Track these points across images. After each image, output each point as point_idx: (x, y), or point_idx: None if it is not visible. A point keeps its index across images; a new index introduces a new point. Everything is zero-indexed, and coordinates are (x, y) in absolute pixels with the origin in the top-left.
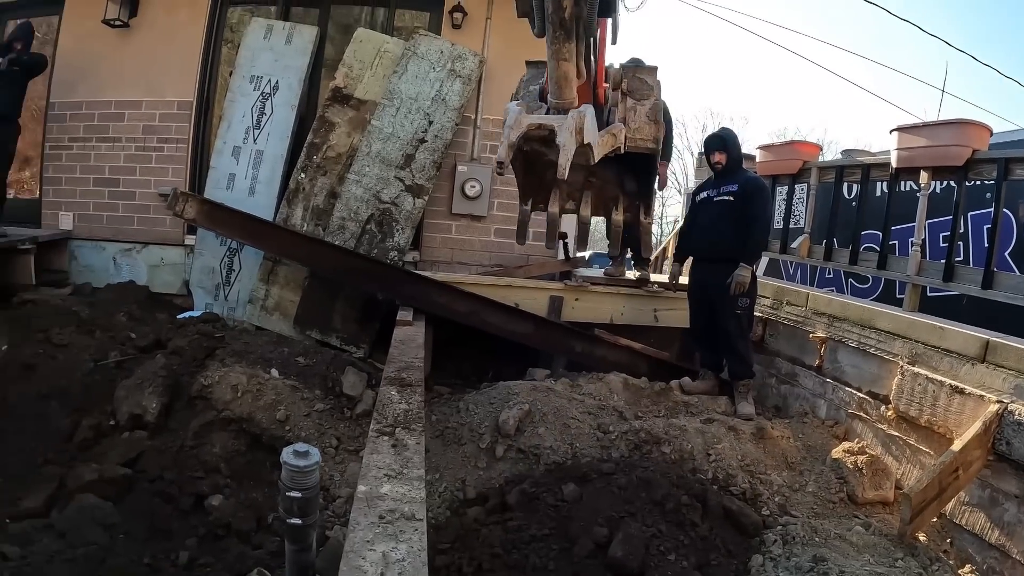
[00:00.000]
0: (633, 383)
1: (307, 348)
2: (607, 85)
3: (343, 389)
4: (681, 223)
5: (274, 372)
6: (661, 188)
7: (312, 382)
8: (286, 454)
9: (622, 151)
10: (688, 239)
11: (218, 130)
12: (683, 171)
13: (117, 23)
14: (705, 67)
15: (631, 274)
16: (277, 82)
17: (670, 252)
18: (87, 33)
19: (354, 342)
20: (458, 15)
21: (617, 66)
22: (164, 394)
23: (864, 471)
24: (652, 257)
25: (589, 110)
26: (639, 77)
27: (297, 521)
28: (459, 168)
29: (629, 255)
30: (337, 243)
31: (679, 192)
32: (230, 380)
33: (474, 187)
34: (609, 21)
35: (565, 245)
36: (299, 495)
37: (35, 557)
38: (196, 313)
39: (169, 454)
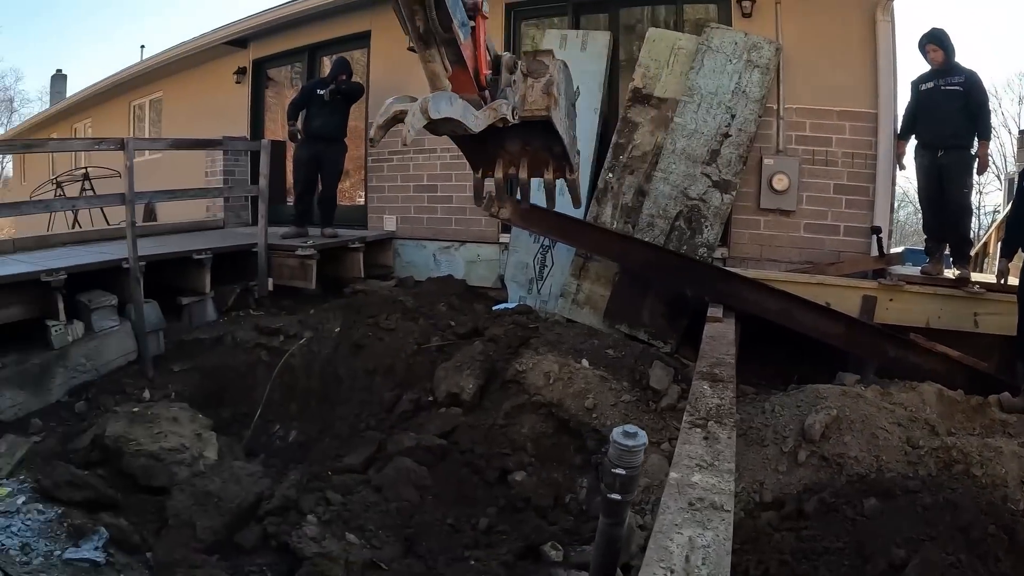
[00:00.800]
0: (948, 395)
1: (616, 341)
2: (488, 72)
3: (649, 382)
4: (1005, 212)
5: (584, 362)
6: (981, 172)
7: (620, 374)
8: (616, 433)
9: (511, 121)
10: (1017, 232)
11: None
12: (1000, 152)
13: None
14: (1016, 25)
15: (950, 272)
16: (578, 87)
17: (992, 247)
18: (395, 61)
19: (661, 337)
20: (747, 3)
21: (509, 55)
22: (480, 376)
23: None
24: (973, 253)
25: (436, 95)
26: (538, 59)
27: (616, 497)
28: (765, 161)
29: (947, 251)
30: (646, 240)
31: (998, 178)
32: (543, 367)
33: (781, 180)
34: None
35: (879, 240)
36: (623, 472)
37: (353, 505)
38: (510, 305)
39: (481, 430)
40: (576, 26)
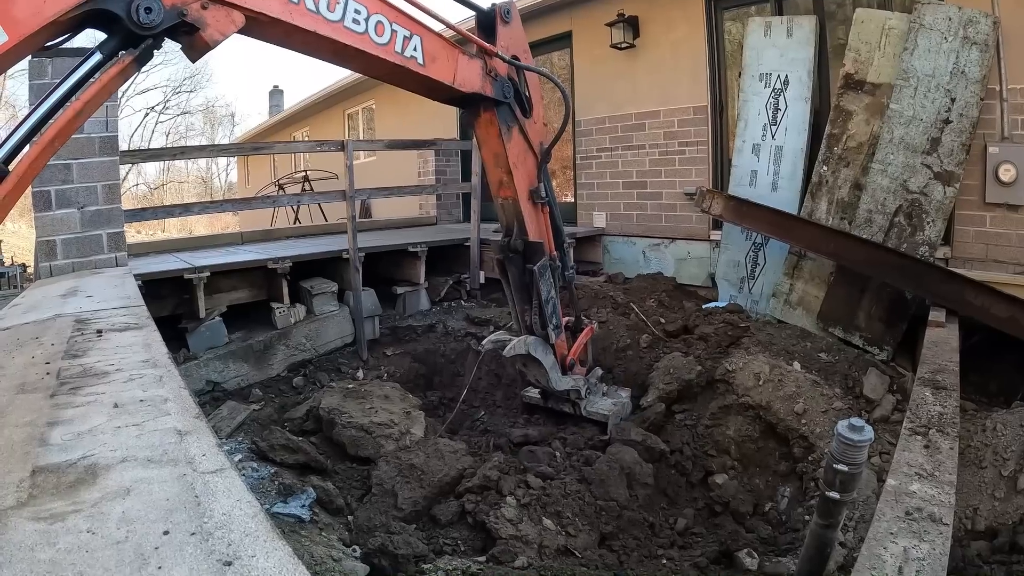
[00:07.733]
0: None
1: (829, 345)
2: (573, 359)
3: (863, 390)
4: None
5: (796, 365)
6: None
7: (832, 379)
8: (841, 427)
9: (579, 413)
10: None
11: (736, 129)
12: None
13: (624, 45)
14: None
15: None
16: (786, 77)
17: None
18: (597, 59)
19: (877, 343)
20: None
21: (599, 370)
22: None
23: None
24: None
25: (537, 339)
26: (617, 392)
27: (835, 495)
28: (990, 150)
29: None
30: (864, 237)
31: None
32: (753, 368)
33: (1008, 171)
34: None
35: None
36: (845, 468)
37: (552, 491)
38: (721, 304)
39: (688, 430)
40: (778, 12)
